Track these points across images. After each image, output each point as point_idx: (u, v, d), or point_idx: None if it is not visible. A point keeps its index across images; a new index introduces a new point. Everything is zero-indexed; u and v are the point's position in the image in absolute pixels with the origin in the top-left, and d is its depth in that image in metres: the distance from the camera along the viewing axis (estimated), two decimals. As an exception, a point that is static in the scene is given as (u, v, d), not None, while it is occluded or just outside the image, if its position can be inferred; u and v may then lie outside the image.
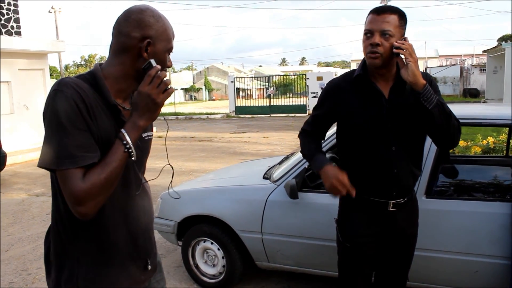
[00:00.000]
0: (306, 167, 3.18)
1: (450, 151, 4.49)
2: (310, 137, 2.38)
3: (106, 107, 1.43)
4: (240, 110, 25.43)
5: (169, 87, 1.42)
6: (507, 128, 5.46)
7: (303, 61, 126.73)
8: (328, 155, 3.19)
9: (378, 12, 2.01)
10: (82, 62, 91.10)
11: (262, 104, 25.81)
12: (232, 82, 25.37)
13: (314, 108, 2.37)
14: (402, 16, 2.01)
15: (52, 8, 34.49)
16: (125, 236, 1.52)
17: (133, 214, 1.55)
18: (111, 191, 1.36)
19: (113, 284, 1.51)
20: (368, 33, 2.02)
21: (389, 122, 2.09)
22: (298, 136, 2.47)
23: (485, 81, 27.11)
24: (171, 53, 1.55)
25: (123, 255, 1.53)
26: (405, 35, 2.02)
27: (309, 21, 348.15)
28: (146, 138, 1.61)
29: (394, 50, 1.95)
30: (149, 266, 1.66)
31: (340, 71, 51.53)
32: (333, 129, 2.97)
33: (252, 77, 30.35)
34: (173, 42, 1.53)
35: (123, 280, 1.54)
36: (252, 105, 26.29)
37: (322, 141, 3.12)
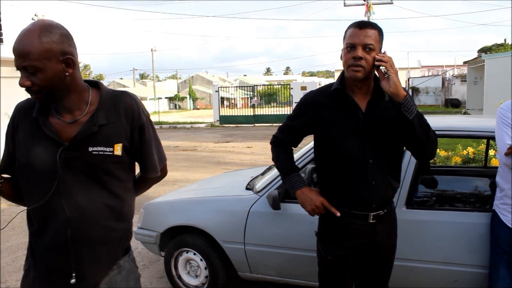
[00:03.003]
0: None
1: (431, 161, 4.56)
2: (283, 148, 2.43)
3: (34, 121, 1.64)
4: (224, 120, 25.45)
5: None
6: (486, 139, 5.56)
7: (287, 70, 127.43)
8: (310, 166, 3.22)
9: (360, 26, 2.05)
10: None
11: (247, 114, 25.91)
12: (216, 91, 25.40)
13: (289, 118, 2.41)
14: (380, 32, 2.08)
15: (35, 15, 34.19)
16: (46, 238, 1.65)
17: (50, 220, 1.64)
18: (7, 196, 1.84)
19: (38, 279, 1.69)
20: (351, 47, 2.05)
21: (366, 135, 2.12)
22: (271, 143, 2.50)
23: (466, 91, 27.60)
24: (26, 72, 1.54)
25: (44, 255, 1.67)
26: (383, 50, 2.09)
27: (295, 31, 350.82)
28: (94, 153, 1.62)
29: (376, 63, 2.01)
30: (73, 280, 1.62)
31: (324, 81, 51.97)
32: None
33: (236, 87, 30.41)
34: (17, 60, 1.53)
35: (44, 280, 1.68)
36: (236, 114, 26.38)
37: (304, 154, 3.16)
